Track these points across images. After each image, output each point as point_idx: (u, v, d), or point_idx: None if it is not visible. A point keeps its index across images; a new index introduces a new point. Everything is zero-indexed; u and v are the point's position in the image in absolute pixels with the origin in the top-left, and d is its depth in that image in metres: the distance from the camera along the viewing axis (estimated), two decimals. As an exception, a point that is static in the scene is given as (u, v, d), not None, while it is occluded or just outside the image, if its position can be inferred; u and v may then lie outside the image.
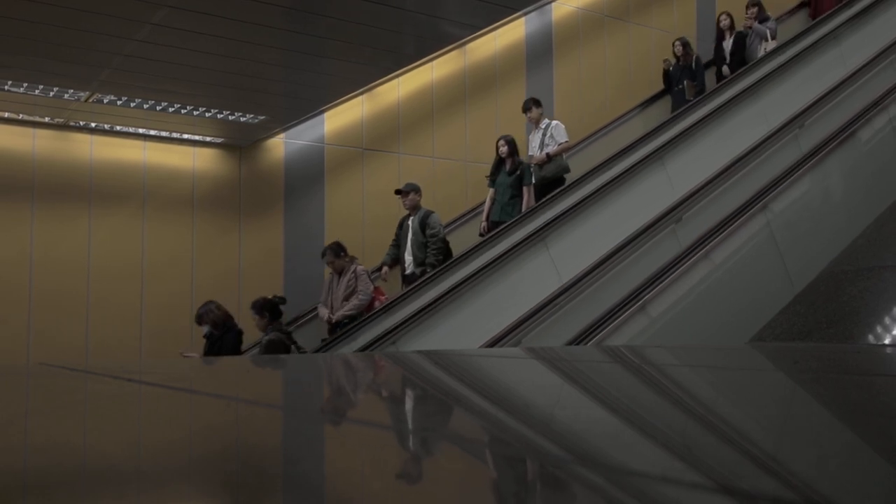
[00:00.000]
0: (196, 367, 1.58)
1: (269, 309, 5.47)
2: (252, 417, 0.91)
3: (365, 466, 0.66)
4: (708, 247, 5.13)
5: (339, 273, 6.12)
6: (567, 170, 6.66)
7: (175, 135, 6.84)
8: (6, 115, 6.17)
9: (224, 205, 7.10)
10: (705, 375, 1.28)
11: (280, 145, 7.32)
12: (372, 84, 7.17)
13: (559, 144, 6.73)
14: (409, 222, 6.41)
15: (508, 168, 6.67)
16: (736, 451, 0.69)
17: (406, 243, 6.37)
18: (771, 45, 7.70)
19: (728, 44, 8.10)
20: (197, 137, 6.93)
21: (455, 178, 8.10)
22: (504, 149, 6.68)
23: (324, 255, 6.21)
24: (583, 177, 5.80)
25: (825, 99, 6.22)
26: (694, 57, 8.00)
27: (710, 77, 8.17)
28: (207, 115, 6.34)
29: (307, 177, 7.41)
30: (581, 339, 4.56)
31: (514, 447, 0.73)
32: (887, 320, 4.55)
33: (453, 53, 7.98)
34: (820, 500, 0.51)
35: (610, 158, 5.95)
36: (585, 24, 9.11)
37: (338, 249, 6.16)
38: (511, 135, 6.76)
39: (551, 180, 6.53)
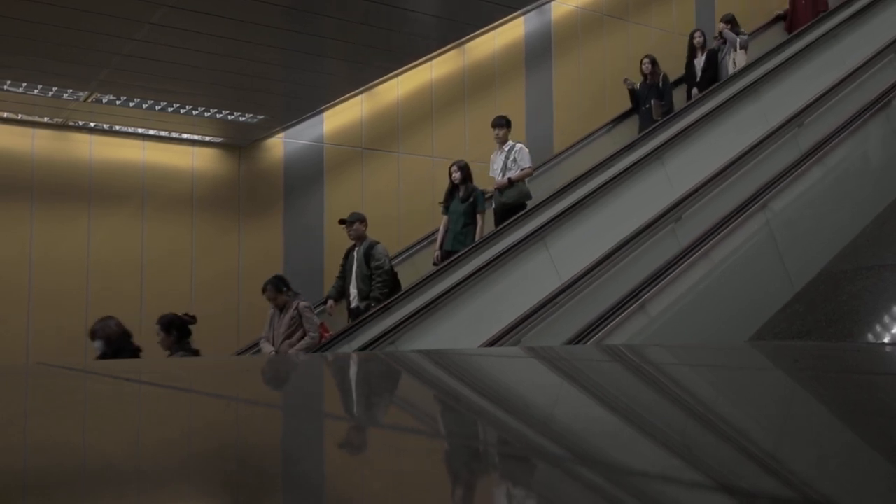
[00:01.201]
0: (196, 367, 1.59)
1: (177, 327, 5.08)
2: (252, 417, 0.91)
3: (364, 466, 0.66)
4: (707, 246, 5.13)
5: (281, 309, 5.71)
6: (529, 196, 6.33)
7: (174, 134, 6.84)
8: (5, 114, 6.17)
9: (223, 204, 7.10)
10: (705, 374, 1.28)
11: (279, 145, 7.32)
12: (371, 83, 7.17)
13: (522, 169, 6.41)
14: (355, 253, 6.09)
15: (462, 195, 6.33)
16: (735, 450, 0.69)
17: (351, 275, 6.06)
18: (740, 55, 7.64)
19: (700, 61, 7.93)
20: (196, 137, 6.93)
21: (454, 177, 8.09)
22: (457, 175, 6.36)
23: (265, 290, 5.75)
24: (581, 176, 5.80)
25: (824, 98, 6.22)
26: (661, 75, 7.76)
27: (679, 95, 8.00)
28: (206, 114, 6.34)
29: (306, 176, 7.42)
30: (580, 338, 4.56)
31: (514, 446, 0.73)
32: (887, 319, 4.56)
33: (452, 53, 7.99)
34: (819, 499, 0.51)
35: (609, 157, 5.96)
36: (584, 23, 9.11)
37: (279, 284, 5.74)
38: (463, 160, 6.50)
39: (512, 206, 6.21)
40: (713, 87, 6.62)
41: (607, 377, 1.33)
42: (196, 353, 5.21)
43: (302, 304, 5.70)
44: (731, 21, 8.13)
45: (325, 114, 7.39)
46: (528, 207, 5.72)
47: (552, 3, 8.73)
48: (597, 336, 4.56)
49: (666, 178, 5.75)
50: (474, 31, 6.85)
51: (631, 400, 1.04)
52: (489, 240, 5.31)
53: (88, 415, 0.98)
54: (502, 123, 6.63)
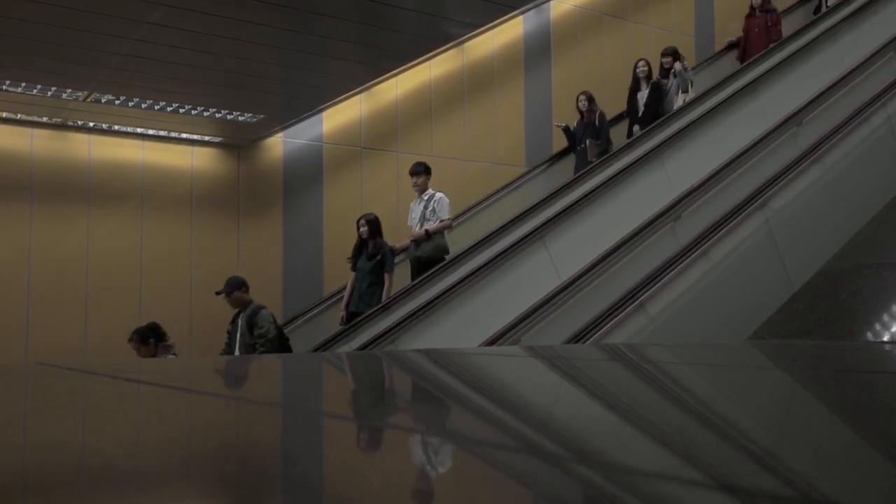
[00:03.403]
0: (195, 367, 1.59)
1: None
2: (251, 417, 0.91)
3: (363, 465, 0.67)
4: (706, 245, 5.13)
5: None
6: (446, 251, 5.92)
7: (173, 134, 6.84)
8: (4, 114, 6.17)
9: (223, 204, 7.10)
10: (704, 373, 1.28)
11: (279, 144, 7.32)
12: (370, 83, 7.17)
13: (440, 221, 5.98)
14: (239, 320, 5.55)
15: (370, 251, 5.91)
16: (735, 448, 0.70)
17: (235, 344, 5.54)
18: (691, 96, 7.12)
19: (643, 95, 7.34)
20: (195, 137, 6.93)
21: (453, 176, 8.10)
22: (364, 229, 5.92)
23: (130, 339, 5.06)
24: (581, 175, 5.81)
25: (823, 96, 6.22)
26: (598, 113, 7.29)
27: (621, 132, 7.56)
28: (206, 114, 6.34)
29: (306, 176, 7.42)
30: (580, 337, 4.56)
31: (513, 445, 0.73)
32: (886, 318, 4.56)
33: (451, 52, 7.98)
34: (818, 498, 0.51)
35: (608, 157, 5.97)
36: (584, 22, 9.11)
37: (146, 335, 5.00)
38: (373, 213, 6.08)
39: (427, 261, 5.79)
40: (656, 122, 6.22)
41: (607, 376, 1.33)
42: None
43: (171, 356, 5.16)
44: (673, 54, 7.60)
45: (325, 113, 7.39)
46: (447, 261, 5.37)
47: (551, 3, 8.73)
48: (596, 335, 4.56)
49: (665, 176, 5.75)
50: (474, 31, 6.84)
51: (630, 399, 1.04)
52: (400, 298, 5.05)
53: (88, 415, 0.98)
54: (420, 171, 6.18)
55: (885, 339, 4.33)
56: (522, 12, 8.24)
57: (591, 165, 6.03)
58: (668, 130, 6.00)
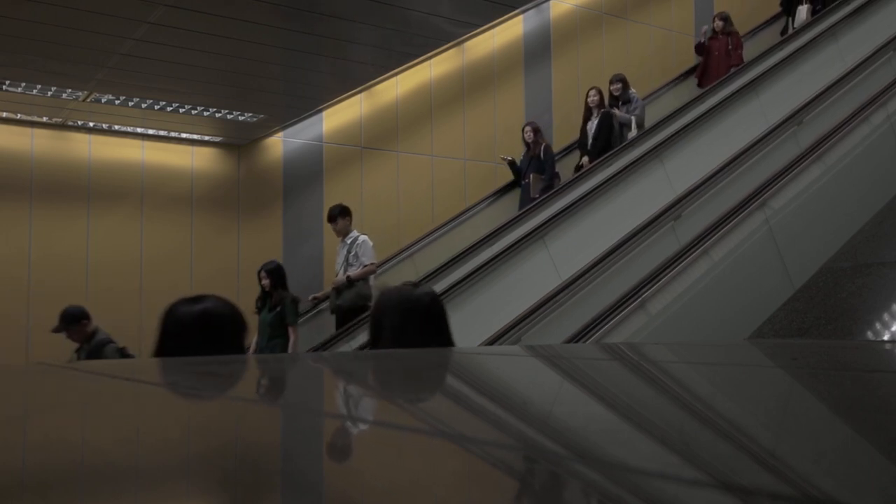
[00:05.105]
0: (196, 367, 1.59)
1: None
2: (251, 416, 0.91)
3: (362, 463, 0.67)
4: (707, 244, 5.14)
5: None
6: (368, 298, 5.45)
7: (173, 134, 6.84)
8: (4, 114, 6.17)
9: (222, 204, 7.10)
10: (703, 372, 1.28)
11: (278, 144, 7.31)
12: (370, 82, 7.17)
13: (363, 266, 5.62)
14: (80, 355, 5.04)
15: (272, 302, 5.57)
16: (734, 447, 0.69)
17: None
18: (633, 133, 6.75)
19: (593, 125, 6.98)
20: (195, 136, 6.93)
21: (453, 176, 8.10)
22: (266, 281, 5.57)
23: None
24: (581, 174, 5.81)
25: (824, 95, 6.22)
26: (543, 146, 6.97)
27: (570, 164, 7.33)
28: (206, 113, 6.34)
29: (306, 175, 7.42)
30: (580, 336, 4.56)
31: (512, 444, 0.73)
32: (886, 317, 4.56)
33: (451, 51, 7.98)
34: (818, 496, 0.51)
35: (608, 156, 5.96)
36: (583, 21, 9.11)
37: None
38: (276, 260, 5.84)
39: (348, 310, 5.50)
40: (606, 155, 6.01)
41: (607, 375, 1.33)
42: None
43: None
44: (622, 80, 7.28)
45: (325, 113, 7.39)
46: (368, 312, 5.28)
47: (551, 2, 8.73)
48: (597, 334, 4.56)
49: (665, 176, 5.75)
50: (473, 31, 6.84)
51: (630, 397, 1.04)
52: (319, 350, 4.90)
53: (87, 413, 0.98)
54: (335, 214, 5.77)
55: (886, 337, 4.33)
56: (522, 12, 8.24)
57: (535, 202, 5.77)
58: (668, 130, 6.00)
